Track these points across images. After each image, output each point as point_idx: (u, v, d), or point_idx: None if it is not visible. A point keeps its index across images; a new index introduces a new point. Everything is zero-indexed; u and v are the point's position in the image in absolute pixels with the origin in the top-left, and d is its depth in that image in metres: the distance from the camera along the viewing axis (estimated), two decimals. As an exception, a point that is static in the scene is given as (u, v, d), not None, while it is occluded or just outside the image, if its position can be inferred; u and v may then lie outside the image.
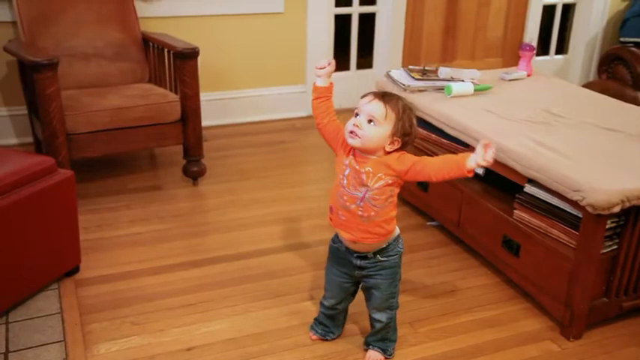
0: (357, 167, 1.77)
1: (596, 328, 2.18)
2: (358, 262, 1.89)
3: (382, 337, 2.01)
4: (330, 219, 1.90)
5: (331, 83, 1.90)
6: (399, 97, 1.79)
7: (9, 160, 2.21)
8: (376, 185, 1.77)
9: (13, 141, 3.60)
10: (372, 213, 1.80)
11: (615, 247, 2.10)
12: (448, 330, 2.17)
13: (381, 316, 1.96)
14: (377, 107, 1.74)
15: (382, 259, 1.88)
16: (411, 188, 2.91)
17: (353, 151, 1.80)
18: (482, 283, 2.44)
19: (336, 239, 1.95)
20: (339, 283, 1.97)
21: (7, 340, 2.04)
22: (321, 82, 1.89)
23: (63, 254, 2.33)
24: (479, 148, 1.70)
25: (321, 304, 2.06)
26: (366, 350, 2.04)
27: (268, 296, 2.31)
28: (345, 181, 1.80)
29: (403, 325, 2.17)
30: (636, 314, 2.25)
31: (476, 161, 1.70)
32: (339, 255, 1.94)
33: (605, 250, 2.07)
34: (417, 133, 1.83)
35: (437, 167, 1.75)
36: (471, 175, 1.74)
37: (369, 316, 2.01)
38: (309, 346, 2.07)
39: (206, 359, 2.00)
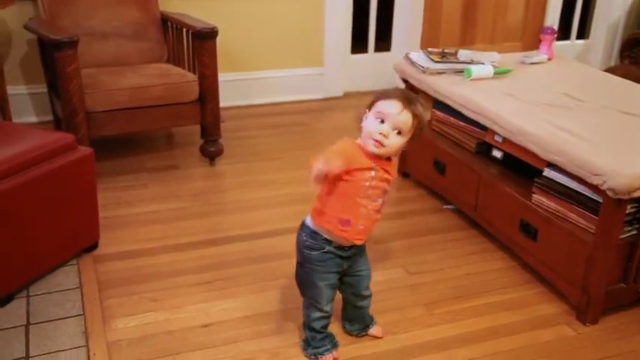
0: (385, 176, 1.75)
1: (613, 314, 2.17)
2: (347, 253, 1.82)
3: (368, 310, 2.03)
4: (345, 232, 1.75)
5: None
6: (417, 99, 1.74)
7: (30, 137, 2.24)
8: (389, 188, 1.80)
9: (33, 119, 3.63)
10: (382, 211, 1.82)
11: (634, 232, 2.08)
12: (463, 312, 2.17)
13: (369, 290, 1.98)
14: (407, 119, 1.69)
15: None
16: (428, 171, 2.90)
17: (375, 159, 1.73)
18: (499, 267, 2.44)
19: (321, 245, 1.79)
20: (333, 285, 1.87)
21: (28, 313, 2.08)
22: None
23: (82, 230, 2.36)
24: None
25: (321, 318, 1.91)
26: (367, 334, 2.04)
27: (284, 276, 2.32)
28: (370, 192, 1.73)
29: (418, 307, 2.18)
30: (653, 300, 2.24)
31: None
32: (329, 257, 1.80)
33: (624, 236, 2.06)
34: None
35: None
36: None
37: (358, 299, 1.97)
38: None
39: (222, 336, 2.02)
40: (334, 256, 1.81)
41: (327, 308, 1.90)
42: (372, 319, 2.04)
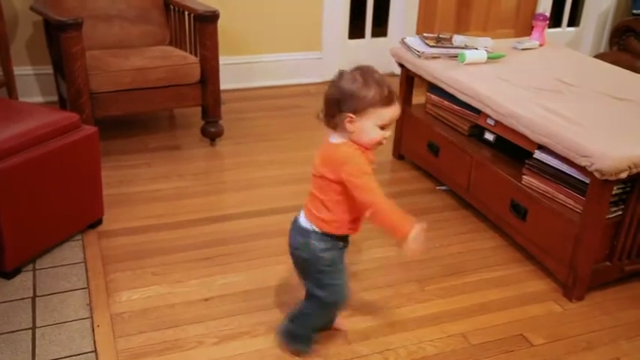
0: None
1: (598, 291, 2.24)
2: (346, 243, 1.83)
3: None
4: (353, 229, 1.76)
5: None
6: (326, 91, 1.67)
7: (37, 115, 2.30)
8: None
9: (39, 99, 3.67)
10: None
11: (620, 212, 2.15)
12: (455, 289, 2.24)
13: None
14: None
15: None
16: (422, 153, 2.97)
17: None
18: (489, 246, 2.51)
19: (335, 243, 1.76)
20: None
21: (34, 285, 2.14)
22: None
23: (87, 206, 2.42)
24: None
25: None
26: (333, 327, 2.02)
27: (282, 252, 2.35)
28: None
29: (411, 283, 2.25)
30: (637, 278, 2.31)
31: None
32: (343, 251, 1.81)
33: (610, 216, 2.12)
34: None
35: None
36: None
37: None
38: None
39: (221, 309, 2.08)
40: (343, 248, 1.81)
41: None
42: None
